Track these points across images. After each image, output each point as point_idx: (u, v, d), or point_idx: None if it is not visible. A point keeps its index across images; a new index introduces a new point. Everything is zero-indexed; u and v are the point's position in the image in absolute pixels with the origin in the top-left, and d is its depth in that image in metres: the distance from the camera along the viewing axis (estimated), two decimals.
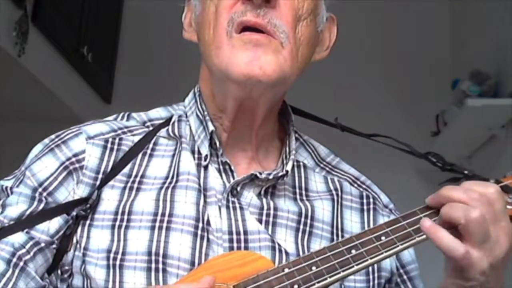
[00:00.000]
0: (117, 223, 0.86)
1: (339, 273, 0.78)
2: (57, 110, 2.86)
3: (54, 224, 0.87)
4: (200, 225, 0.86)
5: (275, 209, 0.91)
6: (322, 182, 0.98)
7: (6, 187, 0.89)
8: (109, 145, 0.92)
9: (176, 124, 0.96)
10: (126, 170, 0.90)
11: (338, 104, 2.86)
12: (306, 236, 0.91)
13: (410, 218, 0.82)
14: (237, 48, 0.85)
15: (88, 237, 0.87)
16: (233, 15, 0.86)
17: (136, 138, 0.93)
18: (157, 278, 0.83)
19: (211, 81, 0.93)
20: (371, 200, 0.98)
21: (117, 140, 0.93)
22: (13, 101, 2.90)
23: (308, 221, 0.92)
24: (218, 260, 0.82)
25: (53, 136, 0.94)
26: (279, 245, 0.88)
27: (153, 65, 3.37)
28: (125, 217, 0.87)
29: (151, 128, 0.95)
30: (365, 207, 0.97)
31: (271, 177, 0.90)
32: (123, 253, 0.84)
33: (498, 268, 0.80)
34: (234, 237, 0.87)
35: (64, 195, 0.88)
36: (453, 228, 0.79)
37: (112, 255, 0.84)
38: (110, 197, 0.88)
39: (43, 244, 0.86)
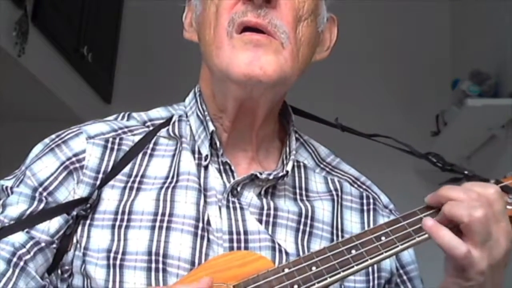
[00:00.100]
0: (117, 223, 0.86)
1: (339, 273, 0.78)
2: (57, 110, 2.86)
3: (54, 223, 0.87)
4: (200, 225, 0.86)
5: (275, 209, 0.91)
6: (322, 183, 0.98)
7: (7, 187, 0.89)
8: (109, 145, 0.92)
9: (176, 124, 0.96)
10: (126, 170, 0.90)
11: (338, 104, 2.86)
12: (306, 236, 0.91)
13: (410, 218, 0.82)
14: (237, 48, 0.85)
15: (88, 236, 0.87)
16: (233, 16, 0.86)
17: (137, 138, 0.93)
18: (157, 278, 0.83)
19: (211, 81, 0.93)
20: (371, 200, 0.98)
21: (117, 140, 0.93)
22: (13, 101, 2.90)
23: (308, 221, 0.92)
24: (218, 260, 0.82)
25: (53, 136, 0.94)
26: (279, 245, 0.88)
27: (153, 65, 3.37)
28: (125, 217, 0.87)
29: (151, 128, 0.95)
30: (365, 208, 0.98)
31: (271, 177, 0.90)
32: (123, 253, 0.84)
33: (497, 268, 0.80)
34: (234, 237, 0.87)
35: (64, 194, 0.88)
36: (454, 226, 0.79)
37: (112, 254, 0.84)
38: (110, 197, 0.88)
39: (43, 244, 0.86)
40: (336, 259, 0.79)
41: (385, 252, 0.79)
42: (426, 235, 0.80)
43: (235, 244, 0.86)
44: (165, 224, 0.85)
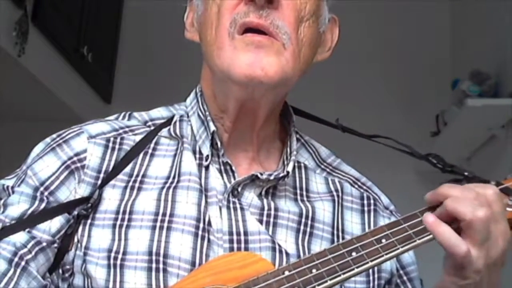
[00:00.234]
0: (118, 222, 0.86)
1: (339, 275, 0.77)
2: (57, 110, 2.86)
3: (56, 223, 0.87)
4: (201, 225, 0.86)
5: (276, 209, 0.91)
6: (322, 183, 0.98)
7: (8, 186, 0.89)
8: (110, 145, 0.92)
9: (177, 124, 0.96)
10: (127, 169, 0.90)
11: (338, 105, 2.87)
12: (307, 237, 0.91)
13: (410, 220, 0.82)
14: (238, 49, 0.85)
15: (89, 236, 0.87)
16: (235, 16, 0.86)
17: (138, 138, 0.93)
18: (158, 278, 0.83)
19: (212, 82, 0.93)
20: (372, 201, 0.98)
21: (118, 140, 0.93)
22: (13, 101, 2.90)
23: (309, 222, 0.92)
24: (218, 261, 0.82)
25: (54, 136, 0.94)
26: (279, 245, 0.88)
27: (153, 65, 3.37)
28: (126, 216, 0.87)
29: (152, 128, 0.95)
30: (365, 208, 0.97)
31: (272, 177, 0.90)
32: (124, 253, 0.84)
33: (493, 268, 0.80)
34: (235, 237, 0.87)
35: (65, 194, 0.88)
36: (453, 223, 0.79)
37: (113, 254, 0.84)
38: (111, 197, 0.88)
39: (44, 244, 0.86)
40: (337, 262, 0.78)
41: (386, 254, 0.79)
42: (427, 237, 0.80)
43: (235, 245, 0.86)
44: (165, 224, 0.85)
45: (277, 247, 0.87)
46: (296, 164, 0.97)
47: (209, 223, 0.87)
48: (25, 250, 0.84)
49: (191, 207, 0.87)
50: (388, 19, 3.36)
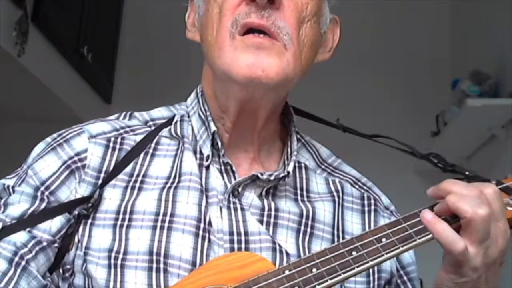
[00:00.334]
0: (119, 222, 0.86)
1: (339, 275, 0.77)
2: (57, 110, 2.86)
3: (56, 223, 0.87)
4: (202, 225, 0.86)
5: (276, 210, 0.91)
6: (323, 184, 0.98)
7: (8, 186, 0.89)
8: (111, 144, 0.92)
9: (178, 124, 0.96)
10: (128, 169, 0.90)
11: (338, 105, 2.86)
12: (307, 237, 0.91)
13: (411, 219, 0.82)
14: (239, 50, 0.85)
15: (89, 236, 0.87)
16: (237, 17, 0.86)
17: (138, 138, 0.93)
18: (158, 278, 0.83)
19: (213, 82, 0.93)
20: (372, 201, 0.98)
21: (119, 140, 0.93)
22: (13, 101, 2.90)
23: (309, 222, 0.92)
24: (219, 261, 0.82)
25: (55, 135, 0.94)
26: (280, 246, 0.88)
27: (153, 65, 3.37)
28: (127, 216, 0.87)
29: (153, 128, 0.95)
30: (366, 209, 0.97)
31: (272, 178, 0.90)
32: (125, 253, 0.84)
33: (492, 267, 0.80)
34: (235, 238, 0.87)
35: (66, 194, 0.88)
36: (452, 218, 0.79)
37: (113, 254, 0.84)
38: (112, 196, 0.88)
39: (45, 243, 0.86)
40: (337, 261, 0.78)
41: (386, 254, 0.79)
42: (427, 237, 0.80)
43: (235, 245, 0.86)
44: (166, 224, 0.85)
45: (277, 247, 0.87)
46: (296, 164, 0.97)
47: (210, 223, 0.87)
48: (26, 249, 0.84)
49: (191, 207, 0.87)
50: (388, 19, 3.36)
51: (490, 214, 0.78)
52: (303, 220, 0.91)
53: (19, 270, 0.82)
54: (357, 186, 0.99)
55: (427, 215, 0.79)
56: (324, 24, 0.94)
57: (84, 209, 0.87)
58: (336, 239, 0.92)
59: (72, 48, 2.86)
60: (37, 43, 2.54)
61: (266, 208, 0.90)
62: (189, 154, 0.92)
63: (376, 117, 3.04)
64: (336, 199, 0.96)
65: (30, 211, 0.87)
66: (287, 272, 0.78)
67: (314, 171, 0.99)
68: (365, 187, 1.00)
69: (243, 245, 0.86)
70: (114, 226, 0.86)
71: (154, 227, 0.85)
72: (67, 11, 2.83)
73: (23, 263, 0.83)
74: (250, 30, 0.86)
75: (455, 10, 3.34)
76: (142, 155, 0.92)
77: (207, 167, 0.91)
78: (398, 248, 0.79)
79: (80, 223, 0.88)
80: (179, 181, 0.89)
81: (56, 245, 0.87)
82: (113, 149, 0.92)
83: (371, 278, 0.92)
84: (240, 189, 0.90)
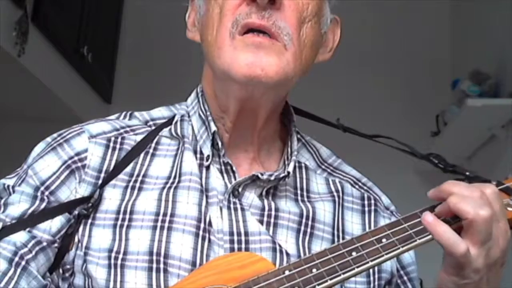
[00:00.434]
0: (119, 222, 0.86)
1: (339, 275, 0.77)
2: (57, 110, 2.86)
3: (56, 223, 0.87)
4: (202, 225, 0.86)
5: (276, 210, 0.91)
6: (323, 184, 0.97)
7: (8, 186, 0.89)
8: (111, 144, 0.92)
9: (178, 123, 0.96)
10: (128, 169, 0.90)
11: (339, 105, 2.86)
12: (307, 237, 0.90)
13: (411, 220, 0.82)
14: (238, 49, 0.85)
15: (89, 236, 0.87)
16: (237, 17, 0.86)
17: (139, 138, 0.93)
18: (158, 278, 0.83)
19: (213, 81, 0.93)
20: (372, 201, 0.98)
21: (119, 139, 0.93)
22: (13, 101, 2.90)
23: (309, 222, 0.92)
24: (219, 261, 0.82)
25: (55, 135, 0.94)
26: (280, 246, 0.88)
27: (153, 65, 3.37)
28: (127, 216, 0.87)
29: (153, 128, 0.95)
30: (366, 209, 0.97)
31: (272, 178, 0.90)
32: (125, 253, 0.84)
33: (493, 268, 0.80)
34: (235, 238, 0.87)
35: (66, 194, 0.88)
36: (453, 219, 0.79)
37: (113, 254, 0.84)
38: (112, 196, 0.88)
39: (45, 243, 0.86)
40: (337, 261, 0.78)
41: (386, 254, 0.79)
42: (427, 237, 0.80)
43: (235, 245, 0.86)
44: (166, 224, 0.85)
45: (277, 247, 0.87)
46: (296, 165, 0.96)
47: (210, 224, 0.87)
48: (26, 249, 0.84)
49: (192, 207, 0.87)
50: (388, 19, 3.36)
51: (492, 215, 0.78)
52: (303, 220, 0.91)
53: (19, 270, 0.82)
54: (357, 186, 0.99)
55: (428, 217, 0.79)
56: (324, 24, 0.94)
57: (84, 209, 0.87)
58: (336, 239, 0.92)
59: (72, 48, 2.86)
60: (37, 43, 2.54)
61: (266, 208, 0.90)
62: (189, 154, 0.92)
63: (376, 117, 3.04)
64: (336, 199, 0.96)
65: (30, 211, 0.86)
66: (287, 272, 0.78)
67: (314, 171, 0.99)
68: (365, 187, 1.00)
69: (243, 245, 0.86)
70: (114, 226, 0.86)
71: (154, 227, 0.85)
72: (67, 11, 2.83)
73: (23, 263, 0.83)
74: (250, 30, 0.86)
75: (455, 10, 3.34)
76: (142, 155, 0.92)
77: (207, 167, 0.91)
78: (398, 248, 0.79)
79: (80, 223, 0.87)
80: (179, 181, 0.89)
81: (56, 245, 0.87)
82: (113, 149, 0.92)
83: (371, 278, 0.92)
84: (240, 189, 0.90)
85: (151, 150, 0.93)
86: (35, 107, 2.93)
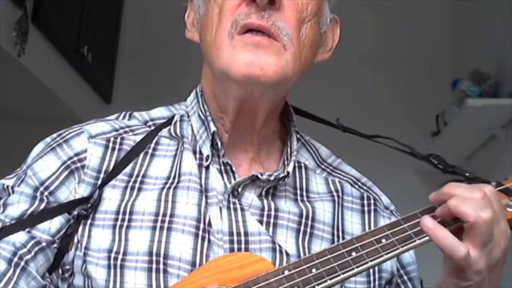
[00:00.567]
0: (118, 222, 0.86)
1: (339, 275, 0.77)
2: (57, 110, 2.86)
3: (55, 223, 0.87)
4: (201, 226, 0.86)
5: (276, 210, 0.91)
6: (322, 184, 0.97)
7: (7, 186, 0.89)
8: (110, 145, 0.92)
9: (178, 124, 0.96)
10: (127, 169, 0.90)
11: (338, 105, 2.86)
12: (307, 237, 0.90)
13: (410, 220, 0.82)
14: (237, 49, 0.85)
15: (89, 236, 0.87)
16: (237, 17, 0.86)
17: (138, 138, 0.93)
18: (158, 279, 0.83)
19: (212, 82, 0.93)
20: (372, 201, 0.98)
21: (118, 140, 0.93)
22: (13, 101, 2.90)
23: (309, 222, 0.92)
24: (219, 261, 0.82)
25: (55, 135, 0.94)
26: (279, 246, 0.88)
27: (153, 65, 3.37)
28: (126, 217, 0.87)
29: (153, 128, 0.95)
30: (365, 209, 0.97)
31: (272, 178, 0.90)
32: (124, 253, 0.84)
33: (495, 268, 0.80)
34: (235, 238, 0.87)
35: (65, 194, 0.88)
36: (454, 221, 0.79)
37: (113, 255, 0.84)
38: (111, 197, 0.88)
39: (44, 244, 0.86)
40: (336, 261, 0.78)
41: (386, 254, 0.79)
42: (427, 238, 0.80)
43: (235, 245, 0.86)
44: (166, 225, 0.85)
45: (277, 247, 0.87)
46: (296, 164, 0.97)
47: (209, 224, 0.86)
48: (25, 250, 0.84)
49: (191, 208, 0.87)
50: (388, 19, 3.36)
51: (493, 217, 0.78)
52: (303, 220, 0.91)
53: (18, 271, 0.82)
54: (357, 186, 0.99)
55: (427, 222, 0.79)
56: (324, 24, 0.94)
57: (83, 210, 0.87)
58: (336, 239, 0.92)
59: (72, 48, 2.86)
60: (37, 43, 2.54)
61: (266, 208, 0.90)
62: (188, 154, 0.92)
63: (376, 117, 3.04)
64: (336, 199, 0.96)
65: (29, 211, 0.86)
66: (286, 272, 0.78)
67: (313, 171, 0.98)
68: (365, 187, 1.00)
69: (243, 246, 0.86)
70: (114, 226, 0.86)
71: (154, 228, 0.85)
72: (67, 11, 2.83)
73: (22, 263, 0.83)
74: (249, 30, 0.86)
75: (455, 10, 3.34)
76: (141, 155, 0.92)
77: (207, 167, 0.91)
78: (398, 248, 0.79)
79: (79, 224, 0.87)
80: (178, 181, 0.89)
81: (55, 245, 0.87)
82: (113, 149, 0.91)
83: (372, 278, 0.92)
84: (239, 189, 0.90)
85: (150, 151, 0.93)
86: (35, 107, 2.93)
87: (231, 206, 0.89)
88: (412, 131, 2.67)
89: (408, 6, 3.32)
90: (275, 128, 0.97)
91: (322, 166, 1.00)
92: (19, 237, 0.85)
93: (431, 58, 3.28)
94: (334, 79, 3.11)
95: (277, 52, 0.85)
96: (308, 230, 0.91)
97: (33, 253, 0.84)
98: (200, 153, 0.92)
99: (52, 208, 0.87)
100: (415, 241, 0.80)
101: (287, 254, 0.87)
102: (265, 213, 0.90)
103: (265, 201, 0.91)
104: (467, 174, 0.92)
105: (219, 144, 0.91)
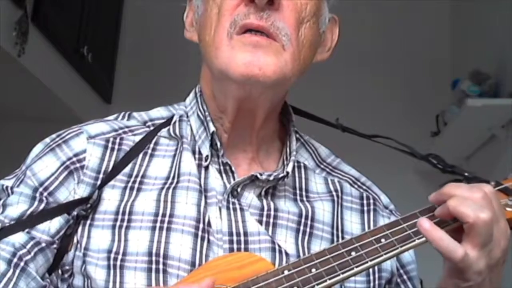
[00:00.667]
0: (118, 223, 0.86)
1: (338, 275, 0.78)
2: (57, 110, 2.86)
3: (55, 224, 0.87)
4: (201, 226, 0.86)
5: (276, 210, 0.91)
6: (322, 183, 0.97)
7: (7, 187, 0.89)
8: (110, 145, 0.92)
9: (177, 124, 0.96)
10: (127, 170, 0.90)
11: (338, 104, 2.86)
12: (307, 237, 0.90)
13: (410, 220, 0.82)
14: (236, 49, 0.85)
15: (88, 237, 0.86)
16: (236, 17, 0.86)
17: (137, 138, 0.93)
18: (158, 279, 0.83)
19: (211, 82, 0.93)
20: (371, 201, 0.98)
21: (118, 140, 0.93)
22: (13, 101, 2.90)
23: (309, 222, 0.92)
24: (218, 261, 0.82)
25: (54, 136, 0.94)
26: (279, 246, 0.88)
27: (153, 65, 3.37)
28: (126, 217, 0.87)
29: (152, 128, 0.95)
30: (365, 208, 0.97)
31: (271, 178, 0.90)
32: (124, 254, 0.84)
33: (495, 268, 0.80)
34: (234, 238, 0.87)
35: (64, 195, 0.88)
36: (454, 221, 0.79)
37: (112, 255, 0.84)
38: (110, 197, 0.88)
39: (43, 244, 0.85)
40: (336, 261, 0.78)
41: (385, 254, 0.79)
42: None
43: (235, 246, 0.86)
44: (165, 225, 0.85)
45: (276, 247, 0.87)
46: (295, 164, 0.97)
47: (209, 224, 0.86)
48: (24, 250, 0.84)
49: (190, 208, 0.87)
50: (388, 19, 3.36)
51: (493, 217, 0.77)
52: (303, 220, 0.91)
53: (17, 271, 0.82)
54: (356, 186, 0.99)
55: (424, 224, 0.79)
56: (323, 24, 0.94)
57: (83, 210, 0.87)
58: (335, 238, 0.92)
59: (72, 48, 2.87)
60: (37, 43, 2.54)
61: (266, 208, 0.90)
62: (188, 155, 0.92)
63: (376, 117, 3.04)
64: (335, 198, 0.96)
65: (28, 212, 0.86)
66: (286, 272, 0.78)
67: (313, 171, 0.98)
68: (364, 187, 1.00)
69: (242, 246, 0.86)
70: (113, 227, 0.86)
71: (153, 228, 0.85)
72: (67, 11, 2.83)
73: (22, 264, 0.83)
74: (248, 30, 0.86)
75: (455, 10, 3.34)
76: (141, 155, 0.92)
77: (206, 168, 0.91)
78: (397, 248, 0.80)
79: (79, 224, 0.87)
80: (178, 182, 0.89)
81: (55, 246, 0.87)
82: (112, 149, 0.91)
83: (371, 277, 0.92)
84: (239, 189, 0.90)
85: (149, 151, 0.93)
86: (35, 107, 2.93)
87: (231, 206, 0.89)
88: (412, 131, 2.68)
89: (408, 6, 3.32)
90: (274, 128, 0.97)
91: (322, 166, 1.00)
92: (19, 237, 0.84)
93: (431, 58, 3.29)
94: (333, 79, 3.11)
95: (276, 52, 0.85)
96: (308, 230, 0.91)
97: (32, 253, 0.84)
98: (199, 153, 0.92)
99: (52, 209, 0.87)
100: (414, 240, 0.80)
101: (287, 254, 0.87)
102: (265, 213, 0.90)
103: (264, 201, 0.91)
104: (466, 174, 0.92)
105: (218, 144, 0.91)
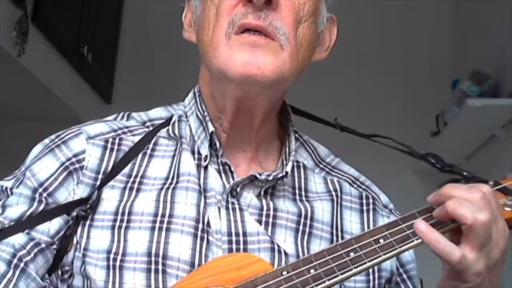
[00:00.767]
0: (117, 223, 0.86)
1: (337, 276, 0.77)
2: (57, 110, 2.86)
3: (54, 224, 0.86)
4: (200, 226, 0.86)
5: (275, 210, 0.91)
6: (321, 183, 0.97)
7: (6, 188, 0.89)
8: (109, 145, 0.92)
9: (176, 124, 0.96)
10: (126, 170, 0.90)
11: (337, 104, 2.86)
12: (306, 237, 0.90)
13: (408, 220, 0.82)
14: (234, 49, 0.85)
15: (88, 237, 0.86)
16: (234, 17, 0.86)
17: (136, 138, 0.93)
18: (157, 279, 0.83)
19: (210, 82, 0.93)
20: (371, 200, 0.98)
21: (117, 140, 0.93)
22: (13, 101, 2.90)
23: (308, 222, 0.92)
24: (217, 262, 0.82)
25: (53, 136, 0.94)
26: (278, 246, 0.88)
27: (153, 65, 3.37)
28: (125, 217, 0.86)
29: (151, 128, 0.95)
30: (364, 208, 0.97)
31: (270, 178, 0.90)
32: (123, 254, 0.84)
33: (494, 268, 0.80)
34: (234, 238, 0.87)
35: (64, 195, 0.88)
36: (452, 222, 0.79)
37: (112, 256, 0.84)
38: (110, 198, 0.88)
39: (43, 245, 0.85)
40: (335, 262, 0.78)
41: (384, 254, 0.79)
42: None
43: (234, 246, 0.86)
44: (165, 225, 0.85)
45: (276, 247, 0.87)
46: (295, 164, 0.96)
47: (208, 224, 0.86)
48: (24, 251, 0.84)
49: (190, 208, 0.87)
50: (388, 19, 3.36)
51: (491, 218, 0.77)
52: (302, 220, 0.91)
53: (17, 272, 0.82)
54: (355, 185, 0.99)
55: (420, 226, 0.79)
56: (321, 23, 0.94)
57: (82, 211, 0.87)
58: (335, 238, 0.92)
59: (72, 48, 2.87)
60: (37, 43, 2.54)
61: (265, 208, 0.90)
62: (187, 155, 0.92)
63: (376, 117, 3.04)
64: (335, 198, 0.96)
65: (28, 213, 0.86)
66: (285, 274, 0.78)
67: (312, 171, 0.98)
68: (363, 186, 1.00)
69: (241, 246, 0.86)
70: (113, 227, 0.86)
71: (153, 228, 0.85)
72: (67, 11, 2.83)
73: (22, 265, 0.83)
74: (246, 30, 0.86)
75: (455, 10, 3.34)
76: (140, 156, 0.92)
77: (205, 168, 0.91)
78: (396, 249, 0.79)
79: (78, 225, 0.87)
80: (177, 182, 0.89)
81: (54, 246, 0.87)
82: (111, 150, 0.91)
83: (371, 277, 0.92)
84: (238, 189, 0.90)
85: (149, 151, 0.93)
86: (35, 107, 2.93)
87: (230, 206, 0.89)
88: (412, 131, 2.68)
89: (407, 6, 3.32)
90: (273, 127, 0.97)
91: (321, 166, 1.00)
92: (18, 238, 0.84)
93: (431, 58, 3.28)
94: (332, 78, 3.11)
95: (274, 52, 0.85)
96: (307, 229, 0.91)
97: (32, 254, 0.84)
98: (199, 153, 0.92)
99: (51, 210, 0.87)
100: (413, 241, 0.80)
101: (286, 254, 0.87)
102: (264, 213, 0.90)
103: (263, 201, 0.91)
104: (464, 173, 0.92)
105: (218, 144, 0.91)
